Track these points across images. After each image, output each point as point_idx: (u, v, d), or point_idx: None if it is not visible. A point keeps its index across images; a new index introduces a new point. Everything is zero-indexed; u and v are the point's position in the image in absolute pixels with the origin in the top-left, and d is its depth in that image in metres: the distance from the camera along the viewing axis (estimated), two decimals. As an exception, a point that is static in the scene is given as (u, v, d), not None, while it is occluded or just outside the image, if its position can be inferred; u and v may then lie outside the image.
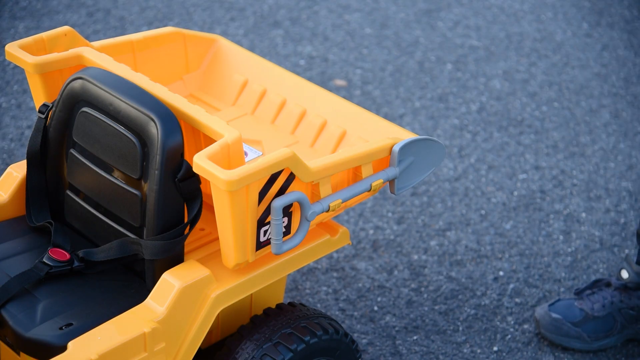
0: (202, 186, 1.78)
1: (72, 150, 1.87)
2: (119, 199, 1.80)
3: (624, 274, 2.32)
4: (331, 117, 2.05)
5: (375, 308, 2.43)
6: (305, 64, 3.39)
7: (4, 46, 2.56)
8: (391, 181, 1.92)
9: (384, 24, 3.67)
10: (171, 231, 1.75)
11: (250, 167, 1.67)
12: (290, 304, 1.98)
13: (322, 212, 1.81)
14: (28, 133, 2.94)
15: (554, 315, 2.33)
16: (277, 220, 1.74)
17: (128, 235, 1.81)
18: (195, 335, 1.78)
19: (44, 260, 1.81)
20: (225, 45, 2.22)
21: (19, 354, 1.78)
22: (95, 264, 1.83)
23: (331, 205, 1.82)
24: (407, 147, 1.90)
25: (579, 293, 2.38)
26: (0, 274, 1.81)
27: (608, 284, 2.37)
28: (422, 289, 2.50)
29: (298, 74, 3.30)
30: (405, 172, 1.93)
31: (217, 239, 1.90)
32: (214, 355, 1.94)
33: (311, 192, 1.83)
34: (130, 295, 1.79)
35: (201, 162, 1.66)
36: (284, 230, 1.80)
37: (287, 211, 1.78)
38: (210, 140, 1.78)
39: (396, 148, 1.89)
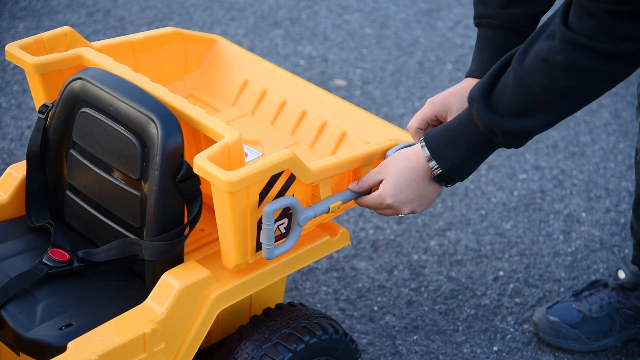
0: (202, 187, 1.78)
1: (72, 151, 1.87)
2: (118, 199, 1.80)
3: (621, 274, 2.32)
4: (331, 117, 2.06)
5: (375, 308, 2.43)
6: (305, 64, 3.40)
7: (4, 46, 2.56)
8: None
9: (384, 24, 3.67)
10: (171, 232, 1.75)
11: (250, 168, 1.67)
12: (289, 304, 1.98)
13: (315, 217, 1.80)
14: (28, 133, 2.94)
15: (552, 318, 2.33)
16: (268, 225, 1.73)
17: (128, 236, 1.81)
18: (195, 335, 1.78)
19: (44, 260, 1.81)
20: (225, 45, 2.22)
21: (18, 355, 1.78)
22: (95, 264, 1.83)
23: (331, 207, 1.81)
24: None
25: (576, 295, 2.38)
26: (0, 274, 1.81)
27: (605, 285, 2.37)
28: (422, 289, 2.50)
29: (298, 74, 3.30)
30: None
31: (217, 239, 1.90)
32: (214, 356, 1.94)
33: (311, 193, 1.83)
34: (130, 295, 1.79)
35: (201, 163, 1.66)
36: (283, 231, 1.80)
37: (286, 212, 1.78)
38: (210, 141, 1.78)
39: (390, 153, 1.88)
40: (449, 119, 1.87)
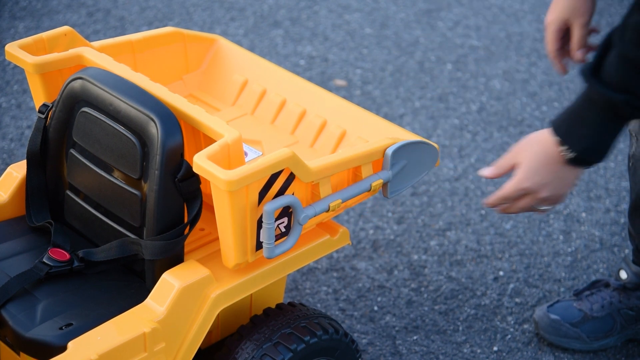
0: (202, 186, 1.78)
1: (72, 150, 1.87)
2: (119, 199, 1.80)
3: (623, 275, 2.32)
4: (331, 117, 2.06)
5: (375, 308, 2.43)
6: (305, 64, 3.40)
7: (4, 46, 2.56)
8: (384, 184, 1.91)
9: (384, 24, 3.68)
10: (171, 231, 1.75)
11: (250, 167, 1.67)
12: (290, 304, 1.98)
13: (315, 216, 1.80)
14: (28, 133, 2.94)
15: (553, 316, 2.33)
16: (269, 224, 1.73)
17: (128, 236, 1.81)
18: (195, 335, 1.78)
19: (44, 260, 1.81)
20: (225, 45, 2.22)
21: (19, 354, 1.78)
22: (95, 264, 1.83)
23: (331, 205, 1.82)
24: (401, 150, 1.90)
25: (577, 294, 2.38)
26: (0, 274, 1.81)
27: (607, 285, 2.36)
28: (422, 289, 2.50)
29: (298, 74, 3.30)
30: (398, 175, 1.92)
31: (217, 239, 1.90)
32: (214, 355, 1.94)
33: (311, 192, 1.83)
34: (130, 295, 1.79)
35: (201, 162, 1.66)
36: (284, 230, 1.80)
37: (286, 211, 1.78)
38: (210, 141, 1.78)
39: (389, 151, 1.88)
40: (580, 19, 1.96)
